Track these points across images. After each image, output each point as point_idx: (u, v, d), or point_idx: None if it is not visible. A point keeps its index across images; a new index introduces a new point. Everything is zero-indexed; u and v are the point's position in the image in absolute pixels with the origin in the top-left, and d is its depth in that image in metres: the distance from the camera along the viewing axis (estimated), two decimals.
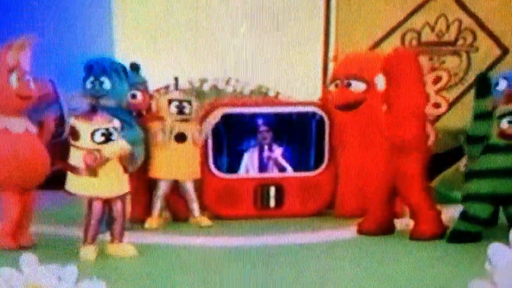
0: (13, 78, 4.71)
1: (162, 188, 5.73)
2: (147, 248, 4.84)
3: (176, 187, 5.79)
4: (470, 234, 4.91)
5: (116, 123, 4.64)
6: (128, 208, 5.15)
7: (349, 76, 5.94)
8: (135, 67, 5.83)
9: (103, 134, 4.50)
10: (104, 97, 5.36)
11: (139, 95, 5.84)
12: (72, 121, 4.60)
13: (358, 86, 5.90)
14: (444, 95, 5.31)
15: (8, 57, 4.70)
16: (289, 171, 6.21)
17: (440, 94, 5.26)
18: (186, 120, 5.79)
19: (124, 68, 5.59)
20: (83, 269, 2.77)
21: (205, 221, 5.72)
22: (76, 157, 4.52)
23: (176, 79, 5.87)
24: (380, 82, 5.34)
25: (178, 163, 5.73)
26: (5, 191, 4.75)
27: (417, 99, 5.14)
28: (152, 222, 5.66)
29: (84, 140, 4.51)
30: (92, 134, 4.49)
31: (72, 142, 4.55)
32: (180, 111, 5.77)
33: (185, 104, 5.79)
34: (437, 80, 5.25)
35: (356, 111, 5.92)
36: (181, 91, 6.03)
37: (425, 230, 5.07)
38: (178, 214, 5.94)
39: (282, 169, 6.22)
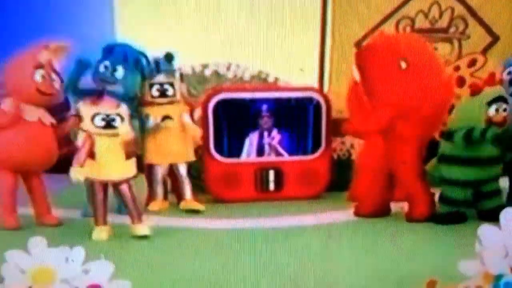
0: (38, 74, 4.95)
1: (159, 173, 5.75)
2: (154, 230, 4.88)
3: (172, 170, 5.80)
4: (452, 215, 4.99)
5: (123, 109, 4.67)
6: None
7: None
8: (169, 58, 5.75)
9: (103, 119, 4.55)
10: (112, 84, 5.31)
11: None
12: (79, 104, 4.68)
13: None
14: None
15: (40, 55, 4.96)
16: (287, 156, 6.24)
17: (476, 76, 5.27)
18: (171, 103, 5.74)
19: (146, 57, 5.55)
20: (91, 251, 2.83)
21: (197, 205, 5.65)
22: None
23: (156, 61, 5.70)
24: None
25: (169, 146, 5.71)
26: (2, 170, 4.90)
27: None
28: (155, 205, 5.69)
29: (86, 123, 4.59)
30: (92, 118, 4.55)
31: (80, 125, 4.66)
32: (163, 93, 5.70)
33: (167, 86, 5.71)
34: (472, 62, 5.25)
35: None
36: (164, 73, 5.81)
37: (420, 213, 5.12)
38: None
39: (279, 155, 6.24)
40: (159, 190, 5.75)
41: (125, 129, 4.63)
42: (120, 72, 5.36)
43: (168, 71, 5.76)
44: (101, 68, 5.36)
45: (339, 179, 6.18)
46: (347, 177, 6.06)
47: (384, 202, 5.36)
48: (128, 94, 5.39)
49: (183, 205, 5.72)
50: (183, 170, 5.78)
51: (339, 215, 5.45)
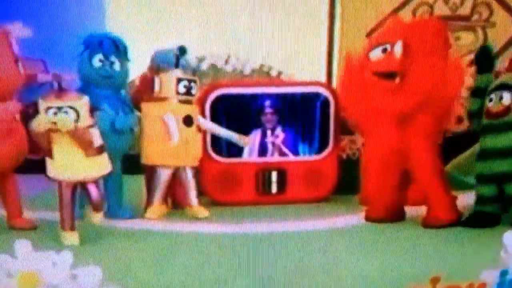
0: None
1: (163, 176, 5.70)
2: (145, 234, 5.02)
3: (175, 173, 5.76)
4: (486, 215, 5.07)
5: (82, 102, 4.68)
6: None
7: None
8: (183, 51, 5.78)
9: (54, 114, 4.58)
10: (111, 79, 5.41)
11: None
12: (39, 100, 4.68)
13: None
14: None
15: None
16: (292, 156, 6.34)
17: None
18: (189, 102, 5.78)
19: (127, 49, 5.59)
20: (79, 255, 2.91)
21: (202, 211, 5.70)
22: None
23: (177, 56, 5.69)
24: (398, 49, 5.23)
25: (183, 148, 5.67)
26: None
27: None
28: (153, 211, 5.65)
29: (40, 118, 4.62)
30: (45, 112, 4.60)
31: None
32: (188, 91, 5.72)
33: (192, 84, 5.74)
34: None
35: None
36: (182, 70, 5.83)
37: (439, 217, 5.16)
38: (179, 201, 5.94)
39: (283, 155, 6.34)
40: (159, 194, 5.70)
41: (64, 122, 4.59)
42: (117, 64, 5.44)
43: (186, 67, 5.78)
44: (96, 63, 5.42)
45: (348, 180, 6.26)
46: (357, 178, 6.09)
47: (398, 205, 5.42)
48: (123, 86, 5.54)
49: (188, 211, 5.73)
50: (190, 174, 5.76)
51: (348, 219, 5.52)
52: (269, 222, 5.41)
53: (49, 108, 4.59)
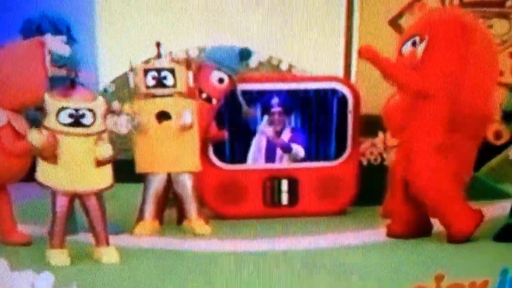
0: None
1: (153, 185, 5.69)
2: (136, 252, 5.05)
3: (170, 182, 5.75)
4: None
5: (99, 103, 4.76)
6: None
7: None
8: (246, 55, 5.92)
9: (70, 115, 4.65)
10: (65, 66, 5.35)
11: (226, 79, 5.95)
12: (45, 96, 4.73)
13: None
14: None
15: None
16: (304, 162, 6.36)
17: None
18: (169, 95, 5.72)
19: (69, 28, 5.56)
20: (61, 276, 2.98)
21: (202, 227, 5.69)
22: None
23: (158, 44, 5.73)
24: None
25: (165, 150, 5.65)
26: None
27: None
28: (144, 227, 5.66)
29: (49, 120, 4.68)
30: (58, 113, 4.64)
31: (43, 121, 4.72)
32: (159, 82, 5.69)
33: (165, 73, 5.69)
34: None
35: None
36: (166, 59, 5.84)
37: (460, 230, 5.24)
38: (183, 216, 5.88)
39: (291, 154, 6.34)
40: (150, 206, 5.70)
41: (104, 149, 4.72)
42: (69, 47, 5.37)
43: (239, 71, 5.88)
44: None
45: (369, 190, 6.29)
46: (379, 187, 6.12)
47: (422, 219, 5.47)
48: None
49: (186, 225, 5.74)
50: (187, 182, 5.73)
51: (368, 235, 5.57)
52: (278, 239, 5.45)
53: (62, 109, 4.63)
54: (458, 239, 5.21)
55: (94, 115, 4.72)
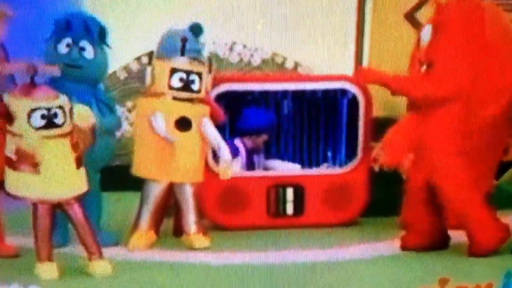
0: None
1: (154, 193, 5.64)
2: (131, 265, 5.07)
3: (170, 191, 5.71)
4: None
5: (63, 100, 4.71)
6: None
7: None
8: (198, 30, 5.69)
9: (43, 116, 4.59)
10: (80, 69, 5.39)
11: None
12: (6, 98, 4.66)
13: None
14: None
15: None
16: (311, 169, 6.42)
17: None
18: (190, 100, 5.66)
19: (105, 31, 5.54)
20: None
21: (201, 241, 5.65)
22: (11, 147, 4.65)
23: (184, 40, 5.58)
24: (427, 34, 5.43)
25: (178, 159, 5.57)
26: None
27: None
28: (139, 238, 5.61)
29: (19, 124, 4.61)
30: (29, 115, 4.58)
31: (7, 127, 4.65)
32: (186, 86, 5.62)
33: (193, 77, 5.61)
34: None
35: None
36: (189, 58, 5.66)
37: (483, 242, 5.24)
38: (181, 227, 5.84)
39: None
40: (147, 216, 5.63)
41: (84, 112, 4.71)
42: (90, 50, 5.42)
43: (195, 54, 5.65)
44: (63, 49, 5.43)
45: (381, 199, 6.30)
46: (392, 196, 6.07)
47: (440, 231, 5.49)
48: (100, 79, 5.52)
49: (185, 240, 5.70)
50: (189, 192, 5.69)
51: (380, 248, 5.58)
52: (283, 251, 5.46)
53: (33, 110, 4.57)
54: (480, 252, 5.22)
55: (64, 113, 4.67)
